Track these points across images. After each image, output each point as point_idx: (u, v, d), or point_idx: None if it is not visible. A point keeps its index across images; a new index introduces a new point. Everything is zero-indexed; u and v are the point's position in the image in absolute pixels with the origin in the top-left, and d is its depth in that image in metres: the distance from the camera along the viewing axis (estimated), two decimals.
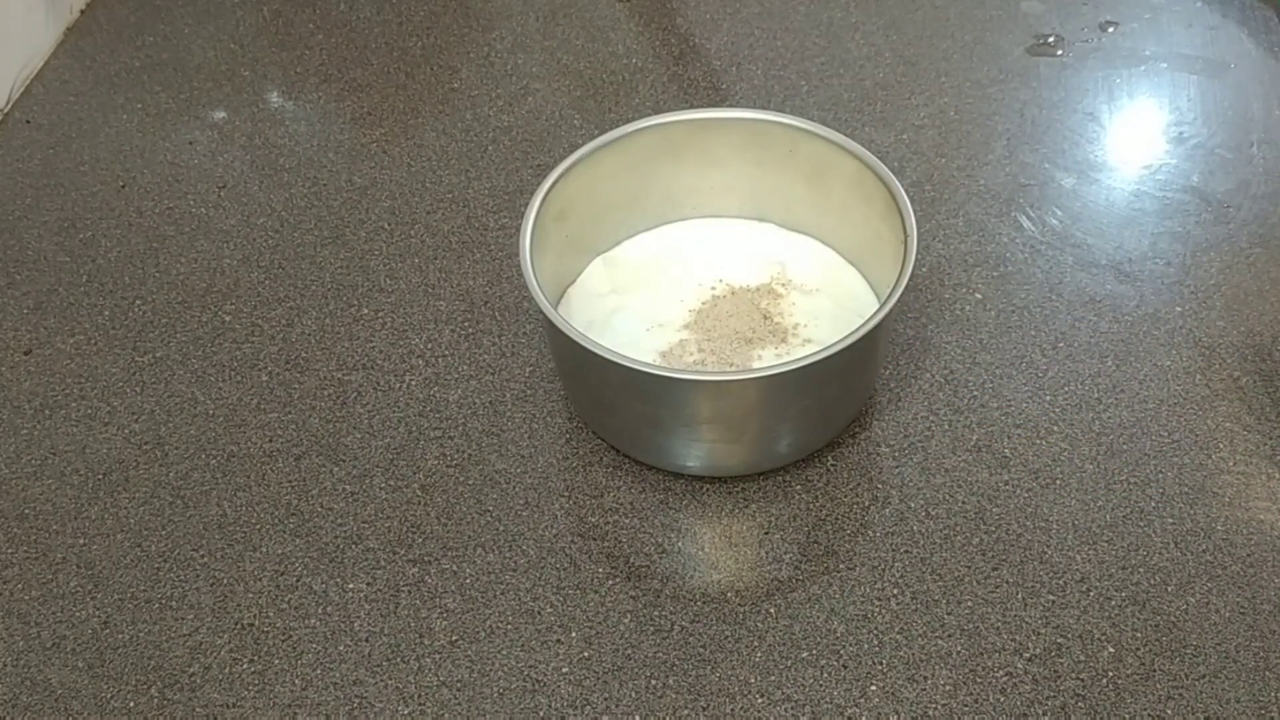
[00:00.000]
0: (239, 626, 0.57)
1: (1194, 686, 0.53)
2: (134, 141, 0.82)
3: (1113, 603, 0.56)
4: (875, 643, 0.55)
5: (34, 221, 0.77)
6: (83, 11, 0.93)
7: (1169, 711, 0.53)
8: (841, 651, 0.55)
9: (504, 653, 0.56)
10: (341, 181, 0.79)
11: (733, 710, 0.53)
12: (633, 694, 0.54)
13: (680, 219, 0.70)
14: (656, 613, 0.57)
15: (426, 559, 0.59)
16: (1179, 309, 0.68)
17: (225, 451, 0.64)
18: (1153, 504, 0.60)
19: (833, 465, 0.62)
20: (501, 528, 0.60)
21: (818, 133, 0.64)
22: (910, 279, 0.57)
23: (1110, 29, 0.86)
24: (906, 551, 0.59)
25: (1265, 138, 0.77)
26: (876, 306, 0.58)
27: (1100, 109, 0.80)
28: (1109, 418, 0.63)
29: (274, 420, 0.65)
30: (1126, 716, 0.53)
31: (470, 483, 0.62)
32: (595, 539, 0.60)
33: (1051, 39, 0.85)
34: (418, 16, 0.91)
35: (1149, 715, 0.53)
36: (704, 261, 0.68)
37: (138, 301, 0.72)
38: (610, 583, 0.58)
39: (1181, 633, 0.55)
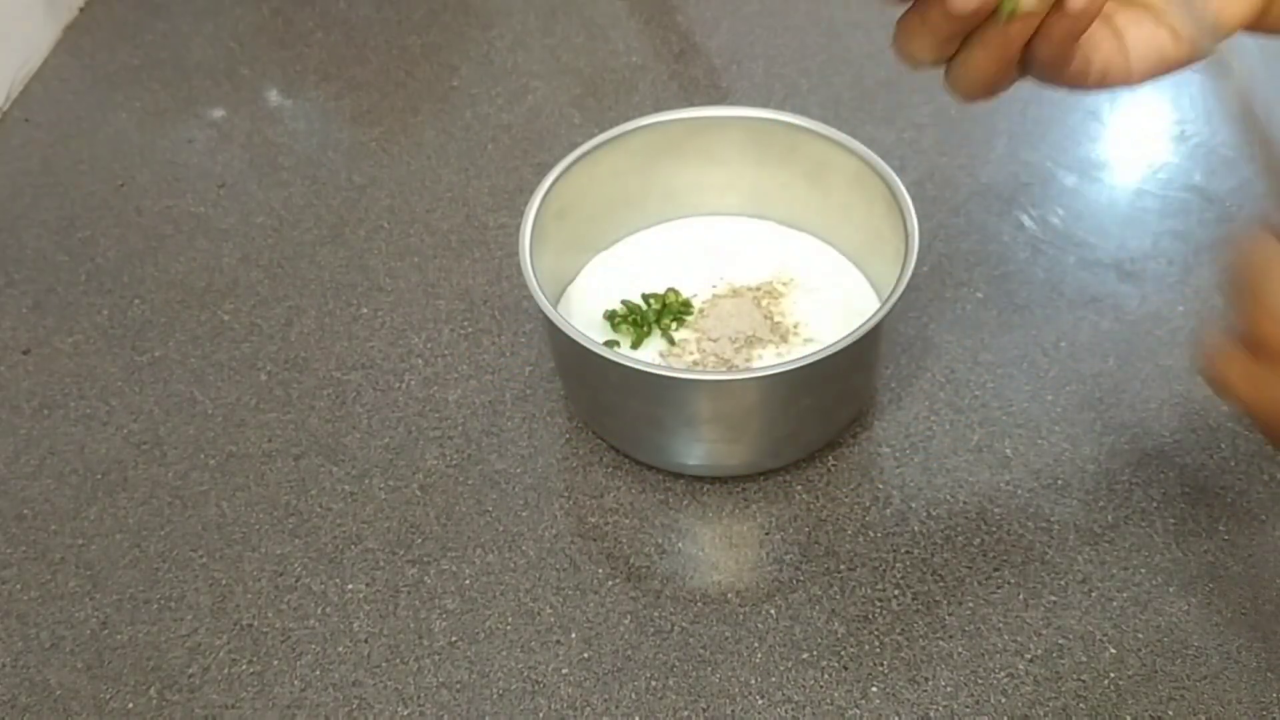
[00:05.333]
0: (238, 627, 0.57)
1: (1196, 688, 0.53)
2: (133, 140, 0.82)
3: (1114, 603, 0.56)
4: (876, 644, 0.55)
5: (33, 220, 0.77)
6: (82, 10, 0.93)
7: (1170, 713, 0.53)
8: (842, 652, 0.55)
9: (504, 653, 0.56)
10: (341, 180, 0.79)
11: (733, 711, 0.53)
12: (633, 695, 0.54)
13: (680, 217, 0.70)
14: (656, 613, 0.57)
15: (426, 559, 0.59)
16: (1181, 308, 0.68)
17: (224, 451, 0.64)
18: (1154, 504, 0.60)
19: (833, 465, 0.62)
20: (501, 528, 0.60)
21: (818, 131, 0.63)
22: (911, 278, 0.56)
23: None
24: (907, 552, 0.58)
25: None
26: (877, 305, 0.58)
27: (1102, 107, 0.80)
28: (1111, 417, 0.63)
29: (273, 420, 0.65)
30: (1128, 718, 0.52)
31: (470, 483, 0.62)
32: (595, 539, 0.60)
33: None
34: (417, 14, 0.91)
35: (1150, 716, 0.53)
36: (704, 260, 0.68)
37: (136, 301, 0.72)
38: (610, 583, 0.58)
39: (1183, 634, 0.55)
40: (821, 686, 0.54)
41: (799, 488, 0.61)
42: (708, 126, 0.66)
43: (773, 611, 0.57)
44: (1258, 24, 0.43)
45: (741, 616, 0.56)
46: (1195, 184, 0.75)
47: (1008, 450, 0.62)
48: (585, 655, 0.55)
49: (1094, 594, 0.56)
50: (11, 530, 0.61)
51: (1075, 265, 0.70)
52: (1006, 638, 0.55)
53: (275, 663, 0.56)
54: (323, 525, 0.61)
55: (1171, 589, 0.57)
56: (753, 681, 0.54)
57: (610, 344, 0.63)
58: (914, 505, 0.60)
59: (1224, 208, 0.73)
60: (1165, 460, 0.61)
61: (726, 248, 0.68)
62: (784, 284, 0.66)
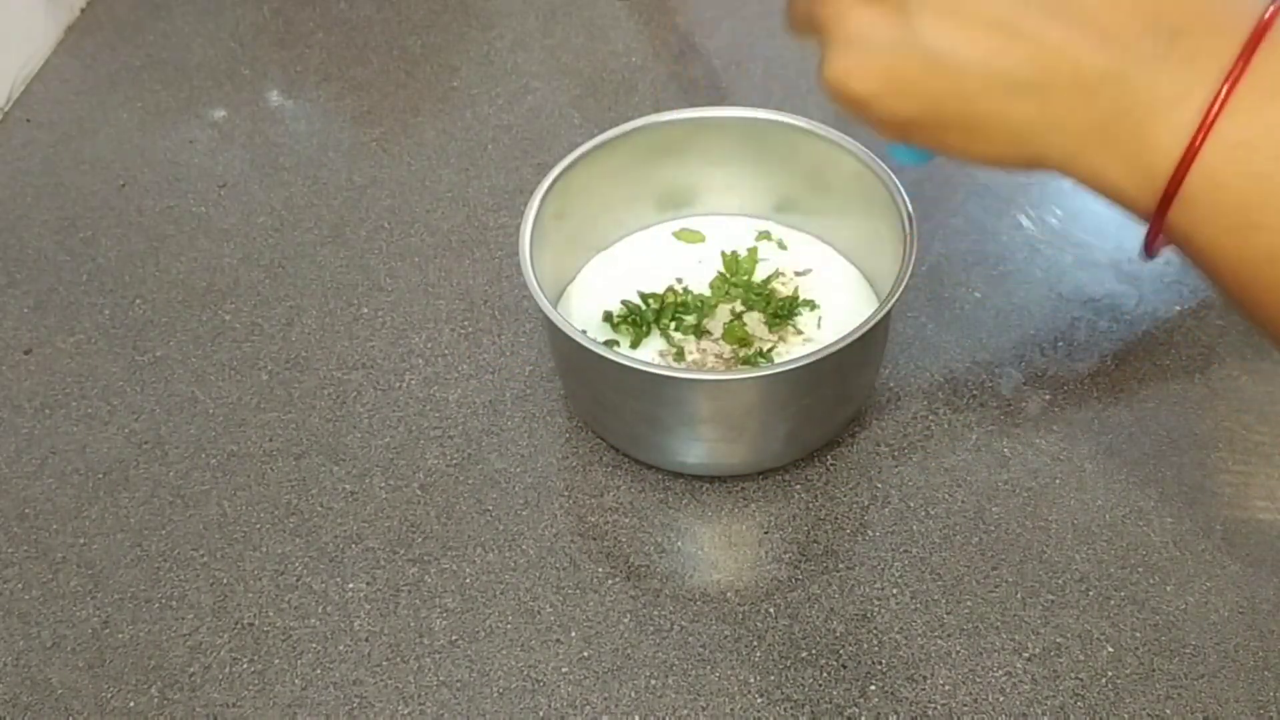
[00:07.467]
0: (239, 626, 0.57)
1: (1193, 686, 0.53)
2: (134, 140, 0.82)
3: (1112, 602, 0.56)
4: (875, 642, 0.55)
5: (34, 220, 0.77)
6: (83, 10, 0.93)
7: (1168, 711, 0.53)
8: (841, 651, 0.55)
9: (504, 653, 0.56)
10: (341, 180, 0.79)
11: (732, 710, 0.53)
12: (632, 694, 0.54)
13: (680, 217, 0.70)
14: (656, 612, 0.57)
15: (426, 559, 0.59)
16: (1178, 308, 0.68)
17: (225, 451, 0.64)
18: (1152, 503, 0.60)
19: (833, 465, 0.62)
20: (501, 528, 0.60)
21: (817, 131, 0.64)
22: (910, 277, 0.57)
23: None
24: (906, 551, 0.59)
25: None
26: (876, 305, 0.58)
27: None
28: (1108, 417, 0.63)
29: (274, 420, 0.65)
30: (1125, 716, 0.53)
31: (470, 483, 0.62)
32: (595, 539, 0.60)
33: None
34: (417, 15, 0.91)
35: (1148, 715, 0.53)
36: (704, 260, 0.68)
37: (138, 301, 0.72)
38: (610, 582, 0.58)
39: (1180, 632, 0.55)
40: (820, 685, 0.54)
41: (798, 487, 0.61)
42: (708, 126, 0.66)
43: (771, 610, 0.57)
44: None
45: (740, 615, 0.57)
46: None
47: (1005, 450, 0.62)
48: (585, 654, 0.56)
49: (1091, 593, 0.57)
50: (13, 529, 0.61)
51: (1073, 265, 0.71)
52: (1004, 636, 0.55)
53: (276, 661, 0.56)
54: (324, 524, 0.61)
55: (1169, 588, 0.57)
56: (752, 680, 0.54)
57: (610, 344, 0.63)
58: (912, 504, 0.60)
59: None
60: (1162, 459, 0.61)
61: (725, 248, 0.68)
62: (783, 284, 0.67)
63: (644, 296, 0.65)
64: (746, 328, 0.64)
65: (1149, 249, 0.37)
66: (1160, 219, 0.35)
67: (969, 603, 0.57)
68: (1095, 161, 0.36)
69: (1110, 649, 0.55)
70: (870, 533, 0.59)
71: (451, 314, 0.70)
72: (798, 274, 0.67)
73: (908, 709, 0.53)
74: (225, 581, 0.59)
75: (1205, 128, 0.32)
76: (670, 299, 0.65)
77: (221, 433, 0.65)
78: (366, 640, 0.57)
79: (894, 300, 0.56)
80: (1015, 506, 0.60)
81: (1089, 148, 0.36)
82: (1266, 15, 0.33)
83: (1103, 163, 0.36)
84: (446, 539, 0.60)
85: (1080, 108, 0.35)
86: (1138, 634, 0.55)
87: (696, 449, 0.59)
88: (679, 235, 0.69)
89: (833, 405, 0.60)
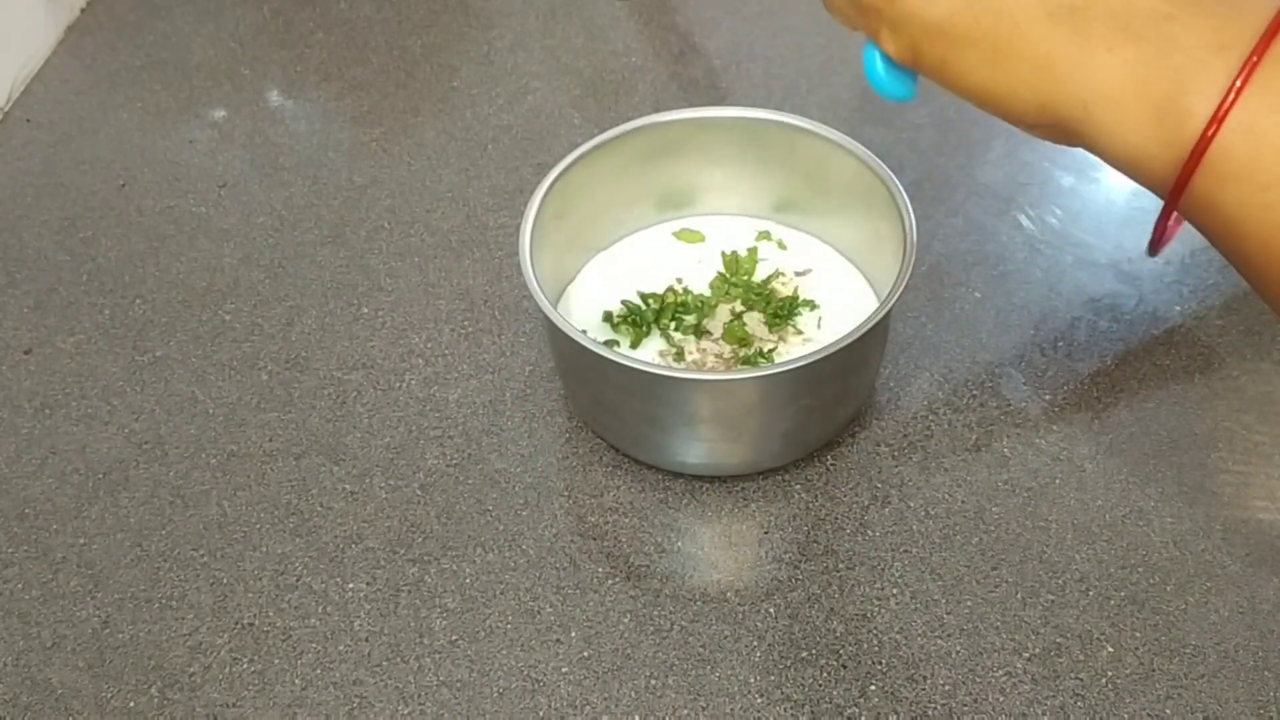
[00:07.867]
0: (239, 626, 0.57)
1: (1193, 686, 0.54)
2: (134, 140, 0.82)
3: (1112, 602, 0.56)
4: (875, 642, 0.55)
5: (34, 220, 0.77)
6: (83, 10, 0.93)
7: (1168, 711, 0.53)
8: (841, 651, 0.55)
9: (504, 653, 0.56)
10: (341, 180, 0.79)
11: (732, 710, 0.53)
12: (632, 694, 0.54)
13: (679, 217, 0.70)
14: (656, 612, 0.57)
15: (426, 559, 0.59)
16: (1178, 308, 0.68)
17: (225, 451, 0.64)
18: (1152, 503, 0.60)
19: (832, 465, 0.62)
20: (501, 527, 0.60)
21: (817, 131, 0.64)
22: (909, 278, 0.57)
23: None
24: (906, 551, 0.59)
25: None
26: (876, 305, 0.58)
27: None
28: (1108, 417, 0.63)
29: (274, 420, 0.65)
30: (1126, 716, 0.53)
31: (470, 483, 0.62)
32: (595, 539, 0.60)
33: None
34: (417, 15, 0.91)
35: (1148, 715, 0.53)
36: (703, 260, 0.68)
37: (138, 301, 0.72)
38: (610, 582, 0.58)
39: (1180, 632, 0.55)
40: (820, 685, 0.54)
41: (798, 487, 0.61)
42: (707, 126, 0.66)
43: (772, 610, 0.57)
44: None
45: (740, 615, 0.57)
46: None
47: (1005, 450, 0.62)
48: (585, 654, 0.56)
49: (1091, 593, 0.57)
50: (13, 529, 0.61)
51: (1073, 265, 0.71)
52: (1004, 636, 0.55)
53: (276, 661, 0.56)
54: (324, 524, 0.61)
55: (1169, 588, 0.57)
56: (752, 680, 0.54)
57: (610, 344, 0.63)
58: (912, 504, 0.60)
59: None
60: (1162, 459, 0.61)
61: (725, 248, 0.68)
62: (783, 284, 0.67)
63: (644, 296, 0.65)
64: (746, 328, 0.64)
65: (1159, 232, 0.35)
66: (1183, 183, 0.32)
67: (969, 603, 0.57)
68: (1117, 113, 0.34)
69: (1110, 649, 0.55)
70: (870, 532, 0.59)
71: (451, 314, 0.70)
72: (798, 274, 0.67)
73: (908, 709, 0.53)
74: (225, 581, 0.59)
75: (1251, 64, 0.30)
76: (670, 299, 0.65)
77: (221, 433, 0.65)
78: (366, 640, 0.57)
79: (894, 300, 0.56)
80: (1015, 506, 0.60)
81: (1114, 95, 0.33)
82: None
83: (1126, 114, 0.34)
84: (446, 539, 0.60)
85: (1118, 45, 0.33)
86: (1138, 634, 0.55)
87: (696, 449, 0.59)
88: (679, 235, 0.69)
89: (833, 405, 0.60)
